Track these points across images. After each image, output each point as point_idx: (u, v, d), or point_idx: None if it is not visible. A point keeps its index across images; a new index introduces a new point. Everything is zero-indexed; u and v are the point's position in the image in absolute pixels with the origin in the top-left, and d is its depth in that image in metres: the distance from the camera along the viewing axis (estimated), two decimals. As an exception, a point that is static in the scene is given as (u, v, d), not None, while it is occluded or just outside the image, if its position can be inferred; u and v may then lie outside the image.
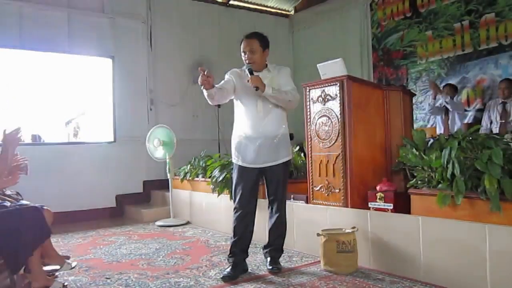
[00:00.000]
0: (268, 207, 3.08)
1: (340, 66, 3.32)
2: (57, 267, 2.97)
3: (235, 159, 3.00)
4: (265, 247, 3.12)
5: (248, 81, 2.78)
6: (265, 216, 3.14)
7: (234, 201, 2.98)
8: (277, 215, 3.02)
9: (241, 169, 2.95)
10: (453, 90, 5.26)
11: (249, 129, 2.93)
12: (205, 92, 2.73)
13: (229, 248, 2.98)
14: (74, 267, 3.07)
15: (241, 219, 2.92)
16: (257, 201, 3.00)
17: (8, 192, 2.91)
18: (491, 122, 4.91)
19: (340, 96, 3.24)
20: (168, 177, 5.31)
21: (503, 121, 4.76)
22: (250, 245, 3.02)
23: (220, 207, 4.52)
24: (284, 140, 2.98)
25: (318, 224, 3.24)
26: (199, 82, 2.65)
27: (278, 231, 3.05)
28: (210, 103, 2.88)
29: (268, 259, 3.04)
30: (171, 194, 5.30)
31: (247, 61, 2.90)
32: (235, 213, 2.95)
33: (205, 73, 2.63)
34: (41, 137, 5.55)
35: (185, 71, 6.71)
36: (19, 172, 2.68)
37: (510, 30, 5.08)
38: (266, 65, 2.99)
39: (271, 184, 2.99)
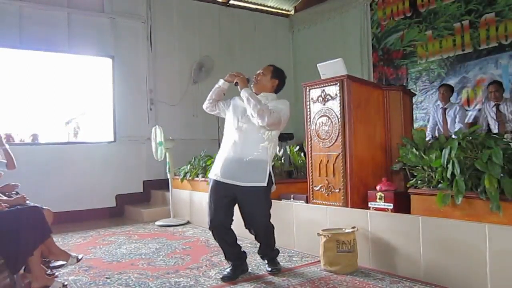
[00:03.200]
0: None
1: (340, 66, 3.32)
2: (64, 262, 2.96)
3: (210, 173, 2.94)
4: (258, 252, 3.09)
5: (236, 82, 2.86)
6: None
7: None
8: (259, 240, 2.97)
9: (212, 183, 2.86)
10: (449, 90, 5.25)
11: (225, 145, 2.89)
12: (220, 82, 2.96)
13: None
14: (81, 259, 3.05)
15: (216, 237, 2.85)
16: (231, 222, 2.85)
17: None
18: (488, 124, 4.92)
19: (340, 96, 3.24)
20: (168, 177, 5.31)
21: (500, 120, 4.78)
22: (245, 249, 3.01)
23: (220, 207, 4.51)
24: (258, 164, 2.78)
25: (318, 224, 3.24)
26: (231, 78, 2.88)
27: (264, 240, 2.97)
28: (206, 102, 3.03)
29: (266, 261, 3.04)
30: (171, 194, 5.30)
31: (253, 76, 2.96)
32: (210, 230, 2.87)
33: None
34: (38, 137, 5.55)
35: (185, 71, 6.70)
36: None
37: (510, 30, 5.07)
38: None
39: (244, 210, 2.83)
